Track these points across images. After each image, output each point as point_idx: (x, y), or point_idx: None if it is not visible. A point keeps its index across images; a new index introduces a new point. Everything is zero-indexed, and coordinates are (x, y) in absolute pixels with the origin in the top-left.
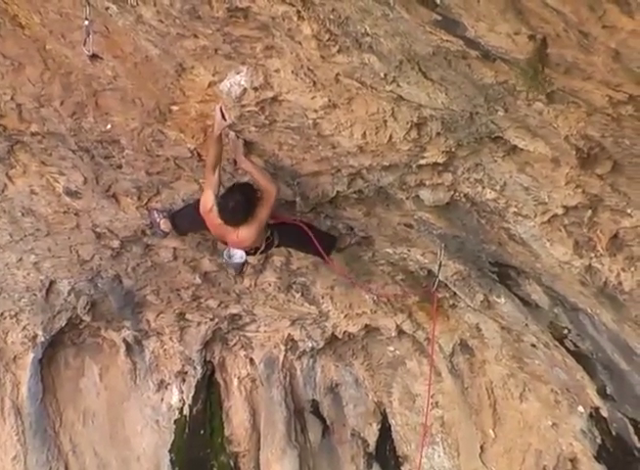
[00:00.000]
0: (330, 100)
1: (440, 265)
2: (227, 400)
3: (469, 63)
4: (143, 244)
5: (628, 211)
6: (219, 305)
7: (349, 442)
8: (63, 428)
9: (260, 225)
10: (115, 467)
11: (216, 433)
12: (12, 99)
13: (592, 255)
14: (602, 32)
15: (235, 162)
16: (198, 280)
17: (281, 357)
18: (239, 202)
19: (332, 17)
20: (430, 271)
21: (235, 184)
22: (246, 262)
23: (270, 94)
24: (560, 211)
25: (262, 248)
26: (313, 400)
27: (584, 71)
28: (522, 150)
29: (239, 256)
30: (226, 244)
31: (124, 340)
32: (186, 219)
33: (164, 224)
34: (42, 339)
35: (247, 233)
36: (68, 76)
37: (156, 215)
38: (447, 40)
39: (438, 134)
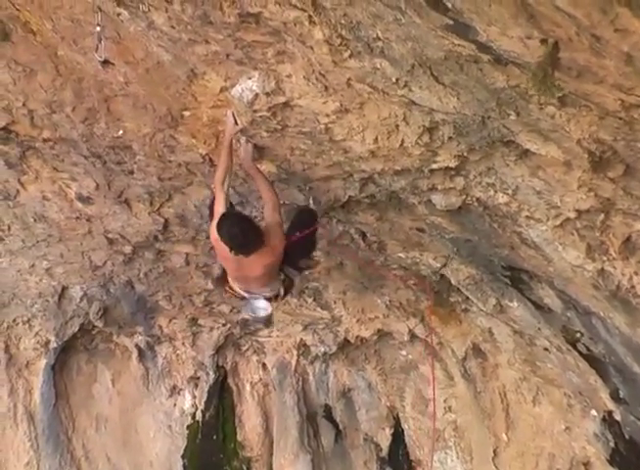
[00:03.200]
0: (342, 105)
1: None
2: (240, 405)
3: (481, 67)
4: (155, 249)
5: None
6: (231, 311)
7: (362, 446)
8: (75, 434)
9: (280, 232)
10: None
11: (229, 438)
12: (24, 105)
13: (605, 258)
14: (614, 36)
15: (240, 165)
16: (210, 285)
17: (293, 362)
18: (243, 227)
19: (343, 21)
20: (442, 276)
21: (225, 214)
22: (272, 313)
23: (282, 99)
24: (572, 215)
25: (282, 293)
26: (326, 405)
27: (596, 75)
28: (534, 154)
29: (263, 307)
30: (246, 287)
31: (137, 345)
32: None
33: None
34: (55, 345)
35: (267, 252)
36: (79, 82)
37: None
38: (459, 44)
39: (450, 138)
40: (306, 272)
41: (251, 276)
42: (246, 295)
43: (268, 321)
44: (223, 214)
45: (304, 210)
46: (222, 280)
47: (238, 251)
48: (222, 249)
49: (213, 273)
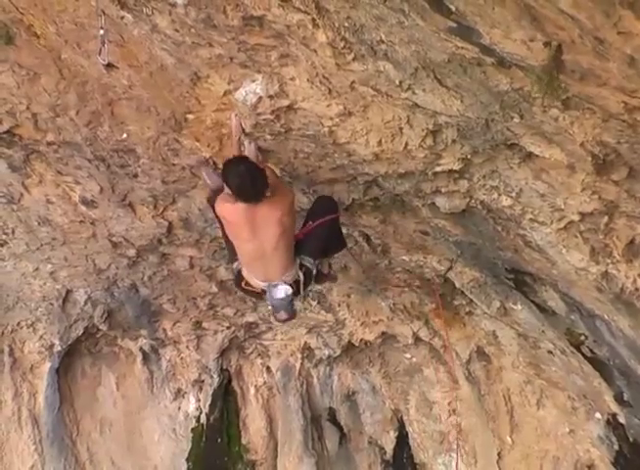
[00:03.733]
0: (345, 108)
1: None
2: (244, 409)
3: (484, 70)
4: (159, 253)
5: None
6: (236, 314)
7: (366, 449)
8: (80, 437)
9: (286, 190)
10: None
11: (233, 441)
12: (27, 108)
13: (608, 261)
14: (617, 38)
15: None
16: (214, 289)
17: (297, 365)
18: (250, 168)
19: (347, 24)
20: (446, 279)
21: (231, 159)
22: (292, 300)
23: (286, 102)
24: (576, 218)
25: (302, 279)
26: (330, 408)
27: (600, 78)
28: (537, 156)
29: (281, 293)
30: (264, 274)
31: (141, 349)
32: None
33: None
34: (59, 348)
35: (277, 201)
36: (83, 86)
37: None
38: (462, 47)
39: (454, 141)
40: (325, 284)
41: (268, 247)
42: (264, 285)
43: (292, 309)
44: (229, 160)
45: (323, 197)
46: (238, 280)
47: (245, 195)
48: (231, 212)
49: (230, 270)
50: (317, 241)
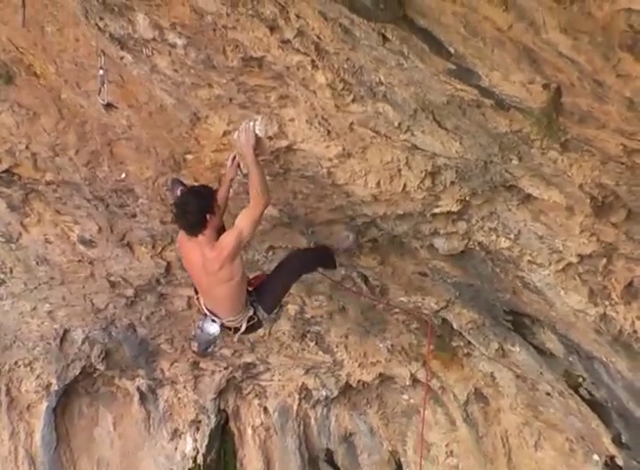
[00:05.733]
0: (344, 149)
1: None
2: (241, 449)
3: (483, 111)
4: (157, 293)
5: None
6: (233, 354)
7: None
8: None
9: (240, 236)
10: None
11: None
12: (27, 148)
13: (607, 303)
14: (616, 81)
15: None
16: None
17: (295, 406)
18: (182, 202)
19: (346, 66)
20: (444, 320)
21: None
22: (215, 343)
23: (285, 143)
24: (574, 260)
25: (243, 328)
26: (327, 449)
27: (598, 120)
28: (536, 198)
29: (213, 330)
30: (212, 306)
31: (138, 389)
32: None
33: None
34: (56, 387)
35: (217, 248)
36: (82, 126)
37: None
38: (462, 89)
39: (453, 183)
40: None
41: (212, 290)
42: (207, 313)
43: (205, 349)
44: (186, 188)
45: (326, 248)
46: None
47: (179, 222)
48: (180, 240)
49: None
50: (274, 295)
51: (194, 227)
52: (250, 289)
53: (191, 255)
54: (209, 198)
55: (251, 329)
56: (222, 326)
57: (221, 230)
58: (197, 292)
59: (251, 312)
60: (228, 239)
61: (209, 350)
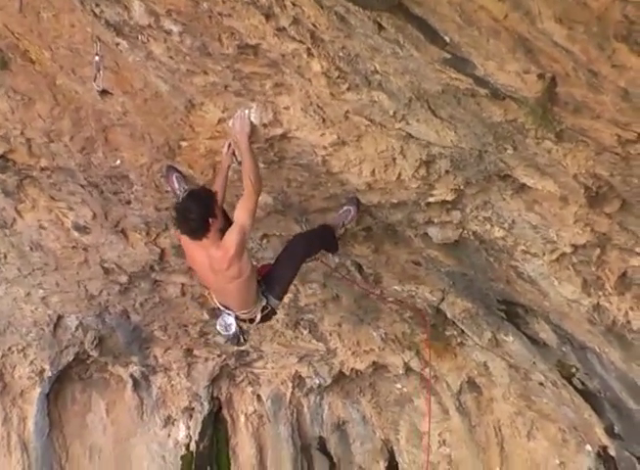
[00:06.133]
0: (339, 137)
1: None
2: (234, 437)
3: (478, 101)
4: (151, 279)
5: (637, 249)
6: (227, 342)
7: None
8: (69, 463)
9: (242, 231)
10: None
11: (223, 469)
12: (22, 134)
13: (600, 293)
14: (611, 71)
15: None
16: (205, 316)
17: (288, 394)
18: (183, 208)
19: (341, 54)
20: (438, 309)
21: (190, 191)
22: (241, 333)
23: (279, 131)
24: (568, 250)
25: (258, 319)
26: (320, 437)
27: (593, 110)
28: (530, 188)
29: (229, 321)
30: (223, 301)
31: (131, 375)
32: None
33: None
34: (49, 374)
35: (222, 247)
36: (77, 112)
37: (175, 185)
38: (457, 78)
39: (447, 172)
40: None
41: (222, 286)
42: (221, 308)
43: (237, 340)
44: (186, 192)
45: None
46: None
47: (181, 229)
48: (183, 241)
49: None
50: (283, 282)
51: (196, 233)
52: (259, 279)
53: (195, 254)
54: (210, 201)
55: (265, 318)
56: (237, 319)
57: (224, 224)
58: (206, 287)
59: (264, 303)
60: (232, 237)
61: (242, 340)
